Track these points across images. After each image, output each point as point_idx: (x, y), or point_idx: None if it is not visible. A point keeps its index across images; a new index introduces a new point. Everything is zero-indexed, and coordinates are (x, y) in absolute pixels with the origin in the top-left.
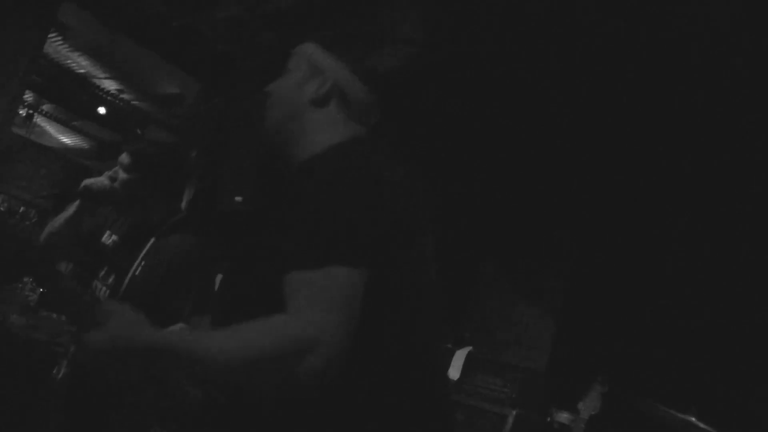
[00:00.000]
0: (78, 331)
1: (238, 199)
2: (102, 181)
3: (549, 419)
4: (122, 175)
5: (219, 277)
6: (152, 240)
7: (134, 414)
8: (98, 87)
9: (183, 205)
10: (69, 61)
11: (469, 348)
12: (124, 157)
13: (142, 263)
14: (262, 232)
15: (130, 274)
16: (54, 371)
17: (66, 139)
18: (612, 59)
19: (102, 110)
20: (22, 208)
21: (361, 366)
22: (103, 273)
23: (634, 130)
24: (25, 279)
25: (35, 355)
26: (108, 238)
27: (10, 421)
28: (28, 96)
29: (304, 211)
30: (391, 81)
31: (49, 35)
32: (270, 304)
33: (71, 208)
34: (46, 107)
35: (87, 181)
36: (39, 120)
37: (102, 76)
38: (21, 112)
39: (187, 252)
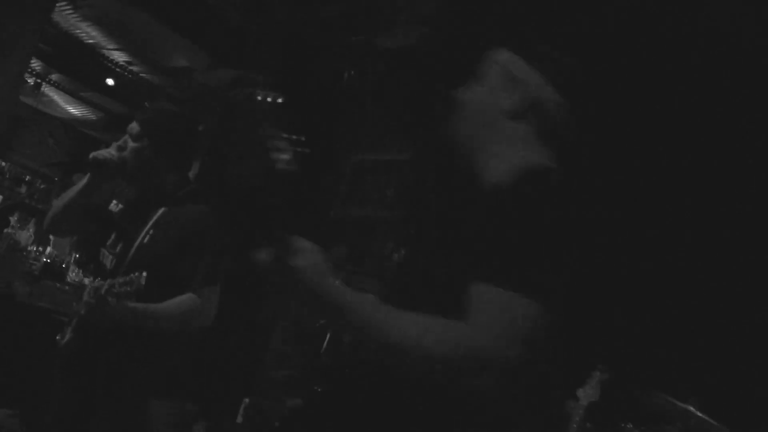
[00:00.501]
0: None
1: (245, 173)
2: (109, 152)
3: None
4: (131, 143)
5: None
6: (162, 209)
7: (139, 382)
8: (107, 58)
9: (192, 175)
10: (78, 31)
11: None
12: (134, 126)
13: (151, 231)
14: (443, 226)
15: (137, 242)
16: (58, 337)
17: (74, 110)
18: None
19: (110, 81)
20: (27, 177)
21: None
22: (110, 241)
23: (642, 124)
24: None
25: (39, 322)
26: (115, 207)
27: (15, 389)
28: (37, 65)
29: (508, 229)
30: (396, 60)
31: (59, 4)
32: (441, 296)
33: (82, 181)
34: (54, 77)
35: (94, 153)
36: (47, 89)
37: (111, 47)
38: (29, 81)
39: (200, 222)
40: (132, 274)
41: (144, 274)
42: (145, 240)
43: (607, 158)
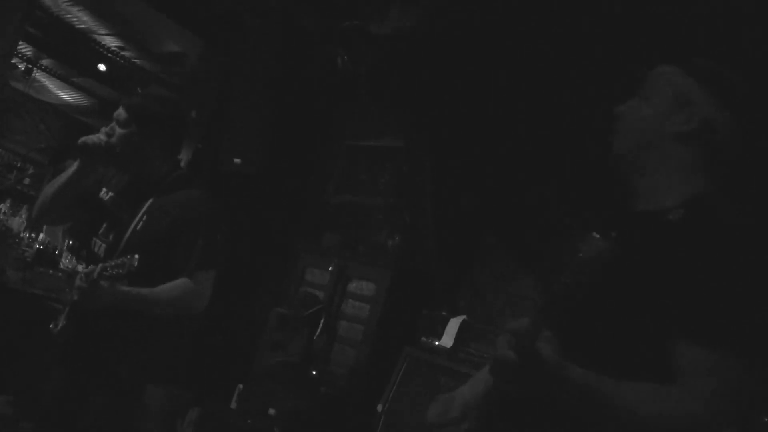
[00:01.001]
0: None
1: (237, 161)
2: (98, 137)
3: None
4: (119, 130)
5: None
6: (154, 197)
7: (134, 368)
8: (98, 43)
9: (181, 161)
10: (69, 16)
11: (464, 317)
12: (121, 112)
13: (144, 218)
14: (626, 273)
15: (130, 229)
16: (51, 325)
17: (66, 96)
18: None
19: (102, 67)
20: (19, 163)
21: None
22: (102, 230)
23: None
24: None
25: (32, 309)
26: (105, 195)
27: (10, 375)
28: (27, 50)
29: (699, 275)
30: (396, 45)
31: None
32: (630, 348)
33: (71, 168)
34: (45, 62)
35: (83, 138)
36: (38, 75)
37: (103, 32)
38: (20, 66)
39: (193, 207)
40: (124, 257)
41: (136, 256)
42: (138, 226)
43: None
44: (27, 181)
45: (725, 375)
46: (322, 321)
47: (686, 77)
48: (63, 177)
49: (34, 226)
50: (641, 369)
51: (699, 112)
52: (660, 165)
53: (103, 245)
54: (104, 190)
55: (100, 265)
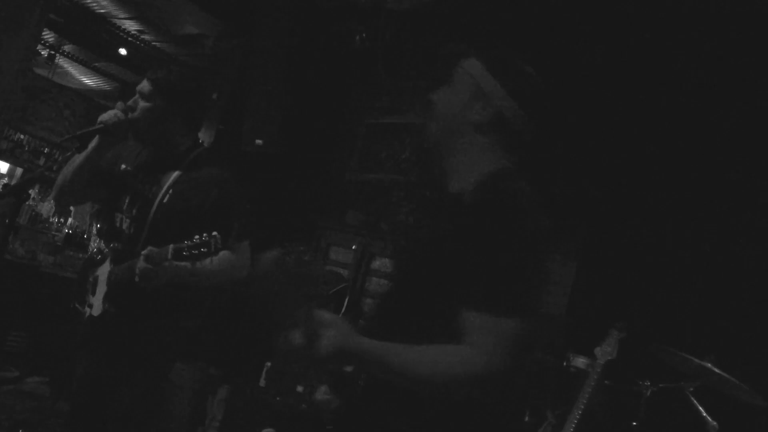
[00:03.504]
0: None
1: (259, 141)
2: (116, 113)
3: (566, 363)
4: (142, 103)
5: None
6: (178, 172)
7: (161, 347)
8: (119, 27)
9: (203, 141)
10: (89, 1)
11: None
12: (145, 85)
13: (170, 191)
14: (423, 241)
15: (157, 202)
16: (79, 307)
17: (88, 81)
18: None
19: (123, 51)
20: (46, 149)
21: None
22: (125, 205)
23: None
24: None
25: (64, 292)
26: (124, 170)
27: (44, 357)
28: (50, 36)
29: (485, 247)
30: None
31: None
32: (430, 319)
33: (90, 146)
34: (67, 48)
35: (102, 117)
36: (61, 61)
37: (122, 16)
38: (43, 52)
39: (223, 184)
40: (202, 236)
41: (215, 233)
42: (165, 200)
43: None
44: (55, 167)
45: (500, 332)
46: (346, 299)
47: (485, 71)
48: (82, 155)
49: (57, 207)
50: (435, 337)
51: (492, 104)
52: (463, 150)
53: (128, 220)
54: (123, 165)
55: (172, 246)
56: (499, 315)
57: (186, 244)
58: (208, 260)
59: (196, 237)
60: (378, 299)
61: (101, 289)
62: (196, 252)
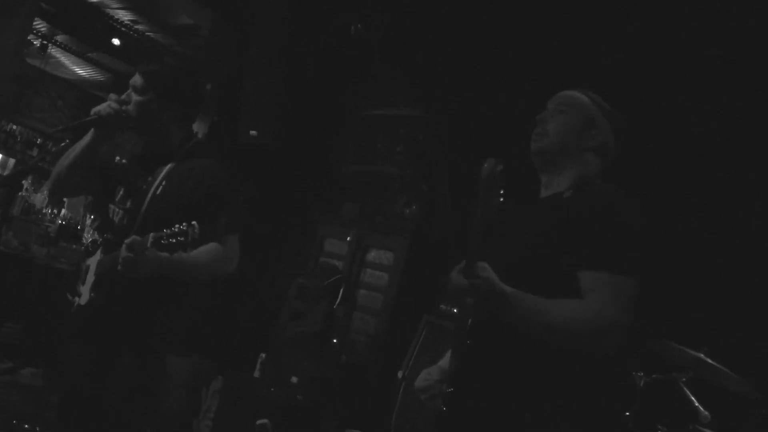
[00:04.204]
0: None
1: (253, 133)
2: (111, 105)
3: None
4: (135, 97)
5: None
6: (171, 163)
7: (158, 334)
8: (112, 17)
9: (197, 133)
10: None
11: None
12: (137, 79)
13: (163, 183)
14: (533, 230)
15: (150, 194)
16: (69, 297)
17: (81, 71)
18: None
19: (116, 41)
20: (39, 140)
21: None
22: (119, 197)
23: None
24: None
25: (57, 283)
26: (119, 162)
27: (38, 348)
28: (42, 26)
29: (604, 226)
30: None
31: None
32: (549, 281)
33: (85, 139)
34: (60, 38)
35: (96, 109)
36: (54, 51)
37: (115, 6)
38: (35, 42)
39: (214, 175)
40: (180, 225)
41: (194, 223)
42: (158, 191)
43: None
44: (48, 157)
45: (620, 289)
46: (341, 290)
47: (593, 105)
48: (76, 149)
49: (50, 199)
50: (557, 294)
51: (601, 134)
52: (571, 167)
53: (121, 212)
54: (117, 158)
55: (152, 234)
56: (620, 273)
57: (165, 233)
58: (194, 251)
59: (176, 226)
60: (501, 267)
61: (90, 278)
62: (174, 241)
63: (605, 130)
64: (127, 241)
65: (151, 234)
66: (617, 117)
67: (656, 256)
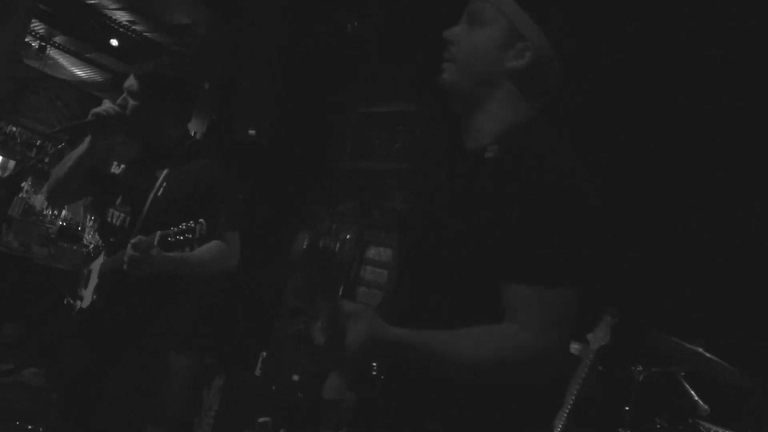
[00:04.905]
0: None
1: (252, 131)
2: (111, 107)
3: None
4: (132, 102)
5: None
6: (170, 164)
7: (160, 332)
8: (110, 18)
9: (195, 133)
10: None
11: None
12: (132, 83)
13: (164, 185)
14: (436, 206)
15: (150, 197)
16: (71, 301)
17: (80, 72)
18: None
19: (114, 42)
20: (38, 141)
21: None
22: (119, 200)
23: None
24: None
25: (59, 284)
26: (116, 168)
27: (40, 348)
28: (40, 27)
29: (529, 217)
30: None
31: None
32: (464, 293)
33: (81, 146)
34: (58, 39)
35: (95, 110)
36: (52, 52)
37: (113, 6)
38: (33, 44)
39: (212, 174)
40: (188, 223)
41: (202, 221)
42: (159, 193)
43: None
44: (47, 158)
45: (553, 305)
46: (341, 289)
47: (522, 12)
48: (73, 156)
49: (50, 205)
50: (475, 314)
51: (531, 48)
52: (489, 100)
53: (121, 215)
54: (114, 163)
55: (159, 233)
56: (549, 286)
57: (171, 231)
58: (197, 249)
59: (183, 224)
60: (392, 286)
61: (93, 281)
62: (182, 238)
63: (539, 42)
64: (133, 240)
65: (158, 232)
66: (556, 18)
67: (608, 242)
